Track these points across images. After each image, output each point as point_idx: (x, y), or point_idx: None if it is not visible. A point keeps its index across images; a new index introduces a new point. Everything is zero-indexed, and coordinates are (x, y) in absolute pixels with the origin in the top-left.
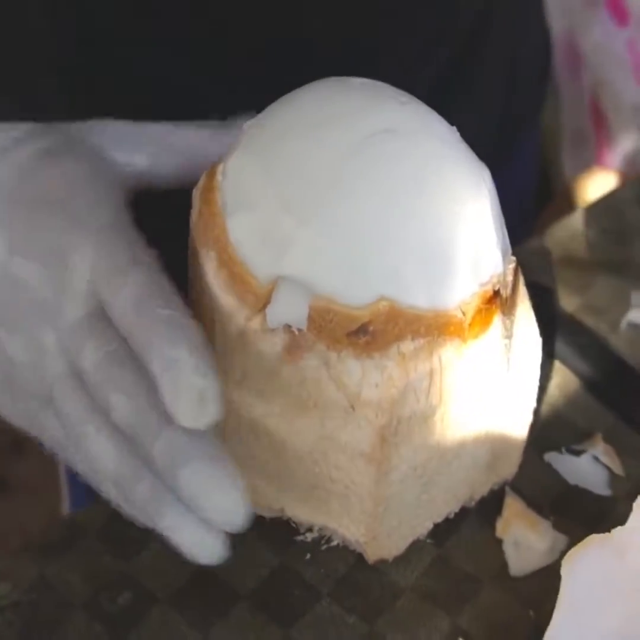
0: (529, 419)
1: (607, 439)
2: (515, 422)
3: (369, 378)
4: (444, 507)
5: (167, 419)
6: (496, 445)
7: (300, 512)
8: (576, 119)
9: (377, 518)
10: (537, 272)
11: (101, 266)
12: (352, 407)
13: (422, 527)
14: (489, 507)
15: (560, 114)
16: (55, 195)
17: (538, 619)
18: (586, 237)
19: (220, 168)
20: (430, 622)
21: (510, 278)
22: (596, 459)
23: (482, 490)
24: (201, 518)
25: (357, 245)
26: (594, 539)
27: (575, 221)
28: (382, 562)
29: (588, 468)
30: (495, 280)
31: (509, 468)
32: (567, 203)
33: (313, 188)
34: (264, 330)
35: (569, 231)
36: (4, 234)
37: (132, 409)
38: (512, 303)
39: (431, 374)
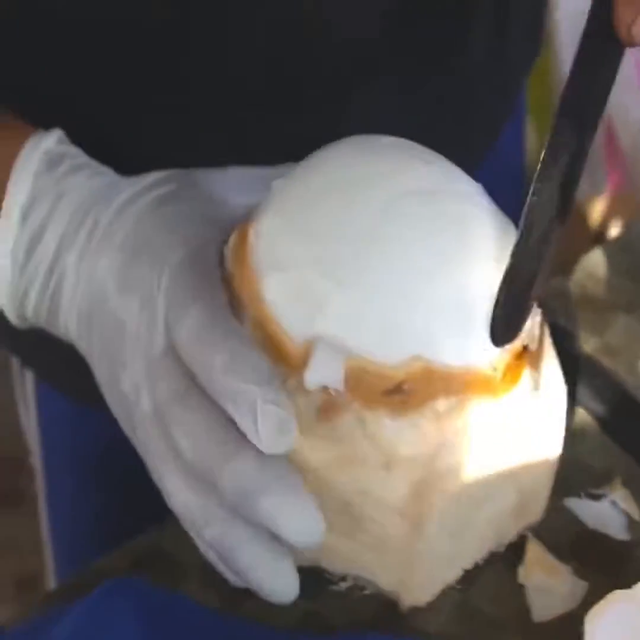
0: (555, 465)
1: (626, 483)
2: (542, 468)
3: (404, 436)
4: (473, 554)
5: (234, 452)
6: (524, 492)
7: (335, 563)
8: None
9: (411, 569)
10: (557, 314)
11: (171, 301)
12: (388, 464)
13: (453, 574)
14: (512, 552)
15: None
16: (151, 238)
17: None
18: (603, 277)
19: (252, 228)
20: None
21: (537, 332)
22: (615, 503)
23: (510, 535)
24: (275, 555)
25: (389, 305)
26: (618, 595)
27: (593, 260)
28: (415, 609)
29: (607, 513)
30: (523, 335)
31: (536, 513)
32: (579, 226)
33: (345, 249)
34: (300, 390)
35: (586, 271)
36: (113, 279)
37: (198, 447)
38: (539, 356)
39: (464, 429)
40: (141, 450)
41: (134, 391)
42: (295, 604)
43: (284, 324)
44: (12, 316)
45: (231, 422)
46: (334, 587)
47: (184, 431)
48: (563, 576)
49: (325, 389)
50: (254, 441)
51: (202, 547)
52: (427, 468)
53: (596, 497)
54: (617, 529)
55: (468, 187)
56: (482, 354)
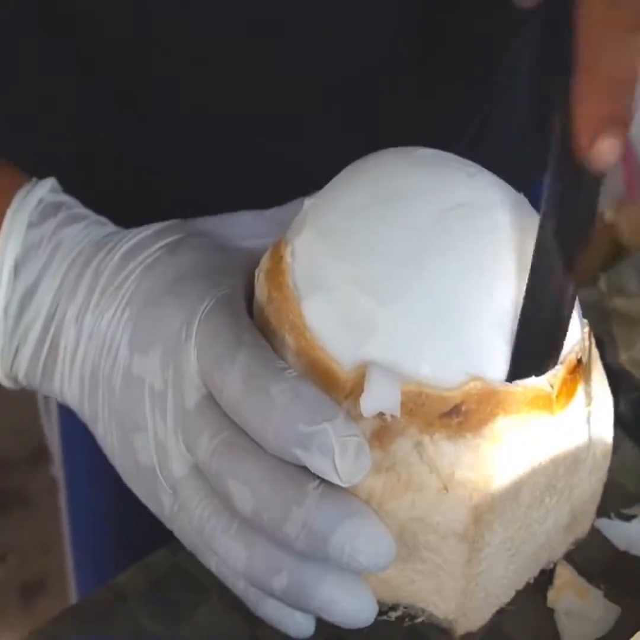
0: (604, 477)
1: None
2: (593, 482)
3: (463, 459)
4: (526, 573)
5: (298, 494)
6: (575, 507)
7: (387, 593)
8: None
9: (468, 595)
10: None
11: (206, 352)
12: (446, 488)
13: (507, 596)
14: (541, 574)
15: None
16: (168, 286)
17: None
18: (630, 289)
19: (287, 249)
20: None
21: (587, 343)
22: None
23: (561, 551)
24: (349, 584)
25: (442, 325)
26: None
27: (619, 273)
28: (469, 635)
29: (638, 534)
30: (577, 348)
31: (584, 528)
32: (598, 236)
33: (392, 267)
34: (352, 418)
35: (612, 284)
36: (125, 335)
37: (256, 494)
38: (589, 368)
39: (523, 449)
40: (174, 518)
41: (159, 454)
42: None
43: (331, 349)
44: (1, 376)
45: (285, 463)
46: (383, 618)
47: (241, 481)
48: (594, 600)
49: (380, 415)
50: (330, 477)
51: (262, 608)
52: (486, 490)
53: (628, 518)
54: None
55: (512, 196)
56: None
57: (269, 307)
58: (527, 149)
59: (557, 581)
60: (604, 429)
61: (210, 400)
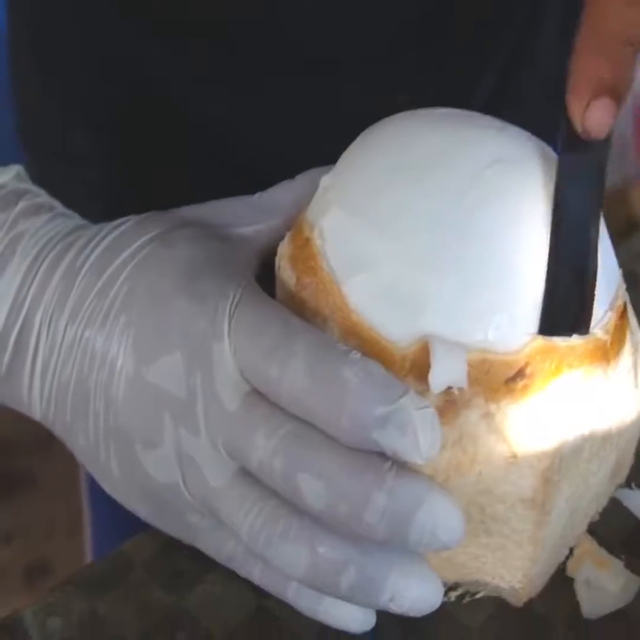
0: None
1: None
2: (635, 425)
3: (531, 422)
4: (579, 528)
5: (373, 482)
6: (620, 455)
7: (448, 573)
8: (619, 129)
9: (535, 560)
10: None
11: (248, 348)
12: (515, 456)
13: (562, 555)
14: None
15: None
16: (176, 283)
17: None
18: None
19: (314, 232)
20: None
21: (624, 286)
22: None
23: (605, 502)
24: (416, 571)
25: (496, 289)
26: None
27: (631, 242)
28: (529, 602)
29: None
30: (621, 292)
31: (624, 473)
32: (610, 216)
33: (436, 238)
34: None
35: (630, 252)
36: (128, 343)
37: (331, 485)
38: (628, 314)
39: (585, 403)
40: (202, 535)
41: (184, 468)
42: None
43: (381, 328)
44: None
45: (356, 451)
46: (443, 599)
47: (314, 474)
48: (615, 571)
49: (446, 389)
50: (410, 455)
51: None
52: (554, 451)
53: None
54: None
55: (544, 149)
56: (597, 320)
57: (302, 293)
58: (552, 112)
59: (577, 550)
60: None
61: (256, 398)
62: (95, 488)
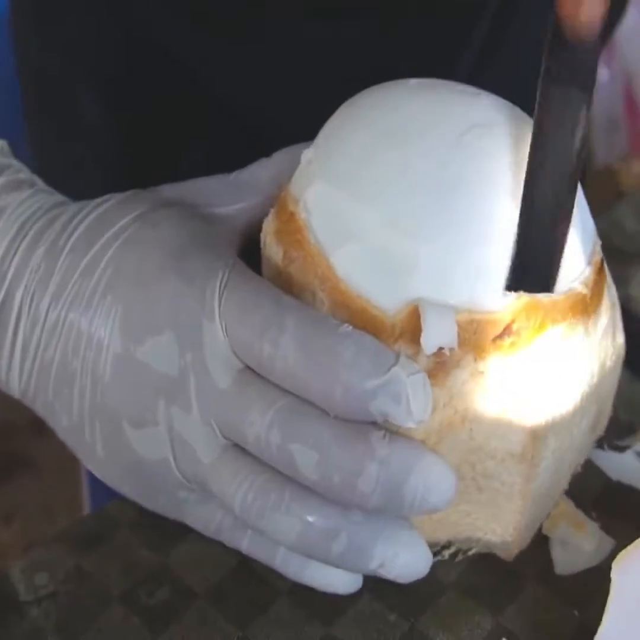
0: (619, 370)
1: None
2: (614, 376)
3: (519, 378)
4: (564, 482)
5: (365, 451)
6: (600, 407)
7: (440, 532)
8: (609, 106)
9: (524, 513)
10: None
11: (239, 326)
12: (504, 412)
13: (548, 508)
14: None
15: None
16: (163, 263)
17: (583, 618)
18: (627, 227)
19: (299, 205)
20: (473, 620)
21: (600, 242)
22: (639, 455)
23: (587, 453)
24: (405, 538)
25: (483, 248)
26: None
27: (616, 211)
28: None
29: (631, 464)
30: (597, 248)
31: (603, 425)
32: (599, 190)
33: (422, 203)
34: None
35: (609, 221)
36: (115, 323)
37: (324, 456)
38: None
39: (570, 357)
40: (191, 510)
41: (175, 446)
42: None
43: (370, 296)
44: None
45: (348, 422)
46: (437, 558)
47: (308, 445)
48: (590, 531)
49: (437, 351)
50: (402, 421)
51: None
52: (542, 405)
53: (620, 449)
54: None
55: (521, 114)
56: (572, 275)
57: (290, 268)
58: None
59: (554, 511)
60: (619, 326)
61: (248, 375)
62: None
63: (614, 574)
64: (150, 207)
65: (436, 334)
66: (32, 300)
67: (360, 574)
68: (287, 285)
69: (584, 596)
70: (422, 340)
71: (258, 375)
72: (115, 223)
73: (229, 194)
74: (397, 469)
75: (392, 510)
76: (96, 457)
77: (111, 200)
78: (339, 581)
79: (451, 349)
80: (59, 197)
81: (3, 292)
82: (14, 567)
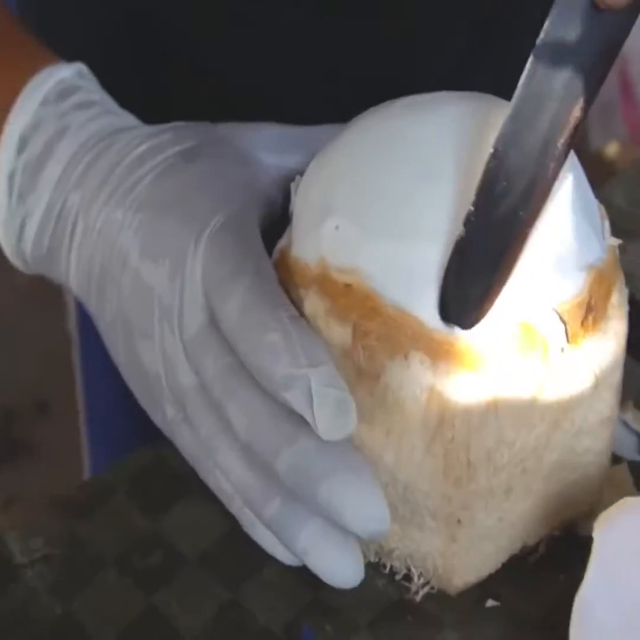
0: None
1: (638, 404)
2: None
3: (597, 354)
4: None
5: (293, 433)
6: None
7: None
8: (604, 90)
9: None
10: None
11: (211, 273)
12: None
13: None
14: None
15: None
16: (180, 197)
17: (567, 582)
18: (616, 206)
19: (355, 273)
20: None
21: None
22: (626, 424)
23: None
24: (337, 538)
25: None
26: (628, 502)
27: (605, 191)
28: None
29: (618, 434)
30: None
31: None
32: (593, 172)
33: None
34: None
35: (602, 200)
36: (136, 240)
37: (252, 425)
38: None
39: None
40: (176, 428)
41: (166, 364)
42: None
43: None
44: (9, 252)
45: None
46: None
47: (240, 408)
48: None
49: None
50: (313, 427)
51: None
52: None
53: None
54: (628, 450)
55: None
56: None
57: (366, 341)
58: None
59: None
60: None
61: (215, 322)
62: (95, 455)
63: (595, 535)
64: (197, 144)
65: (558, 340)
66: (86, 208)
67: (358, 566)
68: (368, 361)
69: (570, 561)
70: (551, 353)
71: None
72: (160, 154)
73: (283, 144)
74: (311, 468)
75: (306, 504)
76: (120, 361)
77: (165, 132)
78: (279, 551)
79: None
80: (125, 120)
81: (63, 198)
82: (10, 531)
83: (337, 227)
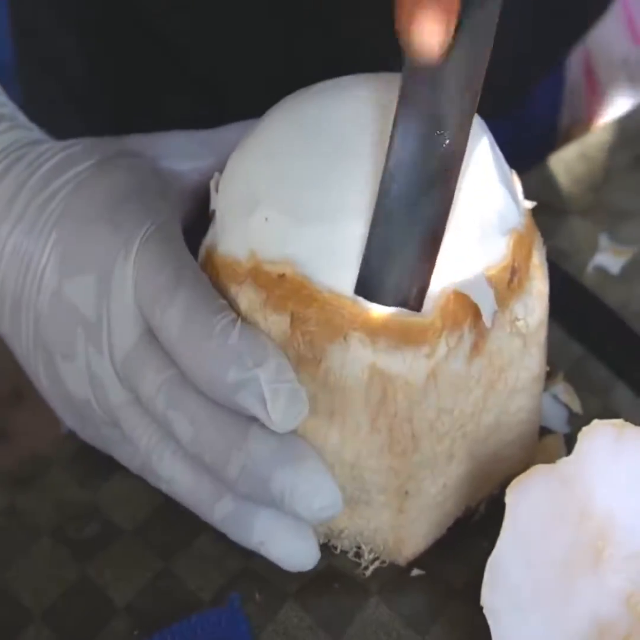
0: None
1: (567, 376)
2: None
3: (524, 313)
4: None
5: (239, 438)
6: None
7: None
8: (570, 72)
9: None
10: None
11: (145, 285)
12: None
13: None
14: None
15: None
16: (102, 208)
17: (490, 549)
18: (558, 184)
19: (287, 263)
20: None
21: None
22: (556, 397)
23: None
24: (291, 524)
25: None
26: (539, 469)
27: (547, 169)
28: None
29: (548, 406)
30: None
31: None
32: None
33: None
34: None
35: (540, 178)
36: (55, 257)
37: (199, 436)
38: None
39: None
40: (116, 446)
41: (93, 385)
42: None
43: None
44: None
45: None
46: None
47: (186, 420)
48: None
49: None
50: (267, 424)
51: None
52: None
53: None
54: (557, 423)
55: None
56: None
57: (305, 327)
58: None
59: None
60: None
61: (151, 334)
62: None
63: (507, 500)
64: (110, 155)
65: (490, 306)
66: None
67: (314, 550)
68: (308, 347)
69: (494, 527)
70: (484, 319)
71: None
72: (75, 166)
73: (191, 151)
74: (261, 465)
75: (260, 501)
76: (42, 386)
77: (79, 145)
78: (283, 549)
79: (495, 312)
80: (35, 134)
81: None
82: None
83: (266, 219)
